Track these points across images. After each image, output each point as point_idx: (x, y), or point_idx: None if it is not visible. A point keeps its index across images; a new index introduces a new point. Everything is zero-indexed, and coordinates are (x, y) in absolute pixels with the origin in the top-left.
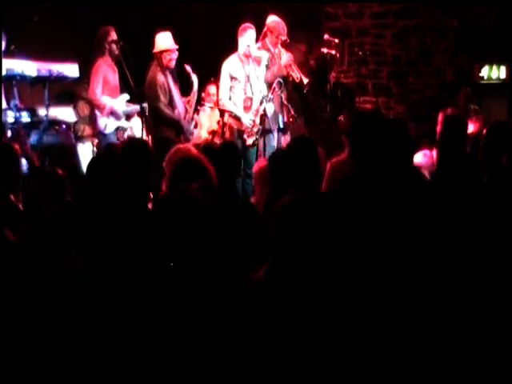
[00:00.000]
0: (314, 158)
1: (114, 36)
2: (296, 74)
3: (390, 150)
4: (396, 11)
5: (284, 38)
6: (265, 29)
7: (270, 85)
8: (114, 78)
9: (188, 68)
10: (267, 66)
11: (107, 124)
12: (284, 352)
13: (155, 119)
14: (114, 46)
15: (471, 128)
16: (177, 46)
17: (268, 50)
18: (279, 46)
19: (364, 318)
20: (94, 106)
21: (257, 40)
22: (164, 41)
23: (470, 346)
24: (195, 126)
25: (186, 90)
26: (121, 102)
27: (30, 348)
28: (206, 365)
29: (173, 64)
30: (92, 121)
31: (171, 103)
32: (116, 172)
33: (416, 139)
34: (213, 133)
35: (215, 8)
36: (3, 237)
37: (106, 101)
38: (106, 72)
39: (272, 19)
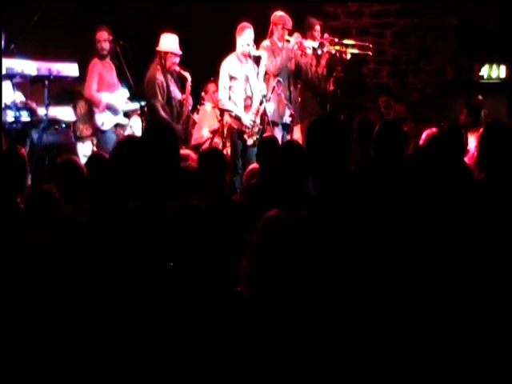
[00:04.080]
0: (302, 165)
1: (104, 35)
2: (309, 44)
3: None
4: (396, 10)
5: (289, 27)
6: (271, 26)
7: (275, 75)
8: (110, 75)
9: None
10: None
11: (104, 121)
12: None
13: (152, 117)
14: (105, 45)
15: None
16: (180, 52)
17: (276, 45)
18: (286, 35)
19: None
20: (90, 102)
21: (262, 39)
22: (169, 42)
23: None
24: (193, 126)
25: (183, 90)
26: (118, 97)
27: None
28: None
29: (174, 68)
30: (90, 119)
31: (169, 103)
32: None
33: (416, 138)
34: (214, 132)
35: (216, 7)
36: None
37: (102, 96)
38: (101, 70)
39: (276, 13)
